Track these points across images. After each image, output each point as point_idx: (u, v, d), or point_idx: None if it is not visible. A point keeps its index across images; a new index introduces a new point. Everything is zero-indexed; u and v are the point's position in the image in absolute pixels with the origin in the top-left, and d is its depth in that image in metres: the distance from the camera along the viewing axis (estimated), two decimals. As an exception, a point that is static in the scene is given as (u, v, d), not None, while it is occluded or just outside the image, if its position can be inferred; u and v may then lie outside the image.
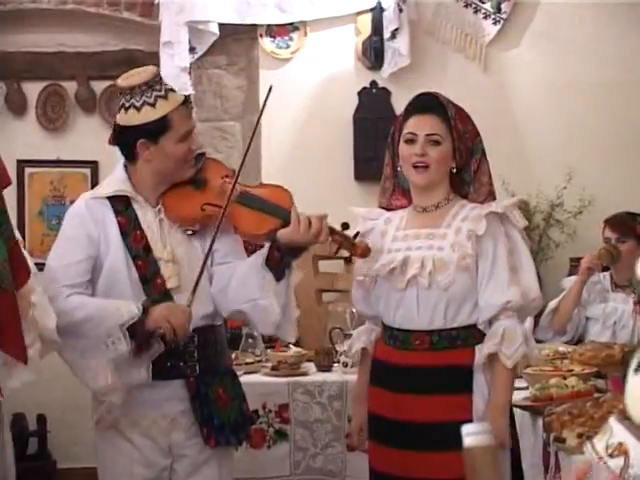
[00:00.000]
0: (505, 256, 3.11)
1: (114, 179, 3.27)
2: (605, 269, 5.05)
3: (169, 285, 3.17)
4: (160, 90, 3.14)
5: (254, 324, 3.31)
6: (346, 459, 4.62)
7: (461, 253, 3.09)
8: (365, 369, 3.37)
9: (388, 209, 3.34)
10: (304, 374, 4.80)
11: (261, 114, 3.34)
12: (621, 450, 1.55)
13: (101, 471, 3.32)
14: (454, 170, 3.20)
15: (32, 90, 6.27)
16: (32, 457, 5.95)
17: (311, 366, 4.92)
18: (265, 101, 3.30)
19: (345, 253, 3.24)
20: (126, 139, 3.20)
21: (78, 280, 3.13)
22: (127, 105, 3.15)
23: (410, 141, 3.16)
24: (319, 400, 4.68)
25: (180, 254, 3.21)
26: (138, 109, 3.13)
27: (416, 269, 3.11)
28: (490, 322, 3.12)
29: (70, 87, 6.26)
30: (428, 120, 3.16)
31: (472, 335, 3.14)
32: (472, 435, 1.65)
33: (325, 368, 4.87)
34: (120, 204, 3.20)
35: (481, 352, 3.09)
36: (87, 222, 3.18)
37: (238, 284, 3.18)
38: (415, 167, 3.15)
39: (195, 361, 3.21)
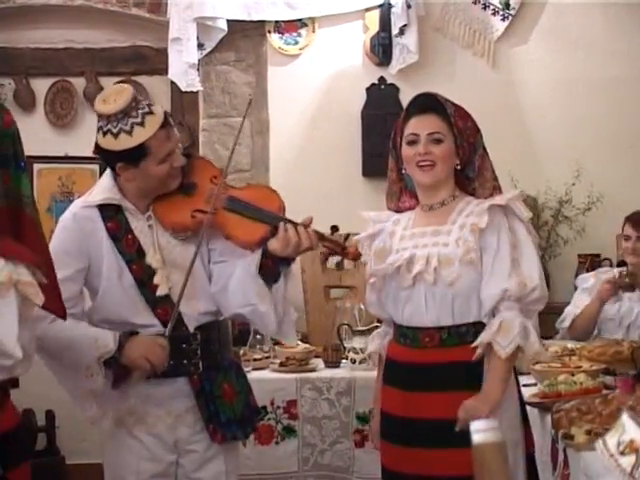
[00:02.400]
0: (507, 249, 3.10)
1: (103, 186, 3.24)
2: (620, 266, 5.04)
3: (158, 293, 3.16)
4: (136, 116, 3.05)
5: (256, 327, 3.31)
6: (354, 455, 4.63)
7: (465, 248, 3.09)
8: (380, 372, 3.37)
9: (397, 211, 3.34)
10: (312, 370, 4.80)
11: (243, 121, 3.30)
12: (632, 448, 1.54)
13: (107, 467, 3.32)
14: (458, 167, 3.20)
15: (40, 86, 6.27)
16: (41, 453, 5.95)
17: (319, 362, 4.92)
18: (247, 110, 3.30)
19: (337, 257, 3.21)
20: (106, 160, 3.19)
21: (64, 297, 3.07)
22: (104, 130, 3.08)
23: (412, 142, 3.16)
24: (327, 396, 4.68)
25: (175, 258, 3.19)
26: (115, 136, 3.06)
27: (421, 266, 3.11)
28: (493, 315, 3.11)
29: (78, 83, 6.26)
30: (428, 119, 3.17)
31: (481, 331, 3.13)
32: (481, 432, 1.65)
33: (333, 364, 4.87)
34: (110, 210, 3.19)
35: (479, 342, 3.08)
36: (74, 235, 3.17)
37: (236, 289, 3.17)
38: (420, 166, 3.15)
39: (198, 359, 3.21)
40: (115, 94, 3.11)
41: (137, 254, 3.17)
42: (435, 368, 3.13)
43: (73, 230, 3.18)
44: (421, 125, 3.16)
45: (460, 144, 3.17)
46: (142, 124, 3.06)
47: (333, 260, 5.17)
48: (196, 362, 3.21)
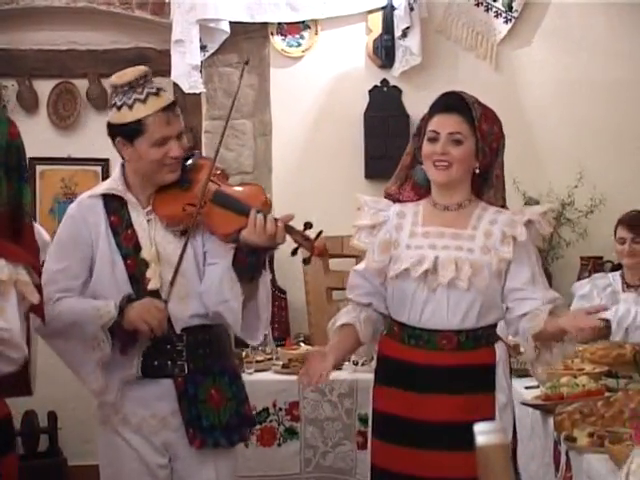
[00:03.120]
0: (538, 262, 3.19)
1: (111, 178, 3.34)
2: (614, 269, 5.04)
3: (149, 287, 3.17)
4: (141, 93, 3.15)
5: (230, 326, 3.28)
6: (356, 457, 4.63)
7: (498, 257, 3.11)
8: (345, 337, 3.29)
9: (394, 200, 3.31)
10: (314, 372, 4.80)
11: (236, 94, 3.38)
12: None
13: (101, 467, 3.33)
14: (477, 170, 3.19)
15: (43, 88, 6.28)
16: (43, 454, 5.96)
17: (322, 364, 4.91)
18: (240, 79, 3.41)
19: (305, 253, 3.21)
20: (110, 135, 3.26)
21: (69, 284, 3.18)
22: (112, 103, 3.21)
23: (433, 139, 3.15)
24: (329, 398, 4.69)
25: (169, 255, 3.19)
26: (119, 108, 3.18)
27: (452, 272, 3.09)
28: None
29: (81, 85, 6.27)
30: (451, 119, 3.15)
31: (493, 334, 3.19)
32: (485, 434, 1.64)
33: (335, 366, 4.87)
34: (115, 202, 3.25)
35: (533, 323, 3.08)
36: (78, 224, 3.23)
37: (216, 285, 3.18)
38: (436, 166, 3.14)
39: (184, 361, 3.20)
40: (131, 70, 3.22)
41: (134, 249, 3.20)
42: (450, 371, 3.11)
43: (78, 218, 3.25)
44: (442, 124, 3.15)
45: (481, 147, 3.16)
46: (144, 101, 3.15)
47: (338, 262, 5.16)
48: (181, 364, 3.20)
